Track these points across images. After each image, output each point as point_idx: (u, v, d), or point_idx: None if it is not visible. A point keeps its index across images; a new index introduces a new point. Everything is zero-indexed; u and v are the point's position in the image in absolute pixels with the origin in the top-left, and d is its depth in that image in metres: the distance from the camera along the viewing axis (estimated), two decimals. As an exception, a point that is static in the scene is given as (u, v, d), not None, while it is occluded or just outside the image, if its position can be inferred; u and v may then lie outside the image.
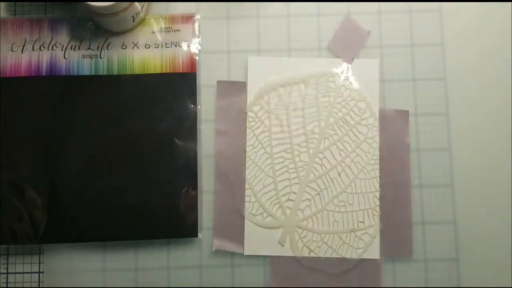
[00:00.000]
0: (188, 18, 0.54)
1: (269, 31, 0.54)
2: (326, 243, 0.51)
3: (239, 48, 0.54)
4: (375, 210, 0.52)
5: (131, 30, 0.53)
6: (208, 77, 0.54)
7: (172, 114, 0.52)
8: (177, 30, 0.54)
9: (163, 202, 0.51)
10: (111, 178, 0.51)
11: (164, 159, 0.51)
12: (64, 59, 0.53)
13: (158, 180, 0.51)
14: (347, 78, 0.53)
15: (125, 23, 0.52)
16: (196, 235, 0.51)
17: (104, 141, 0.52)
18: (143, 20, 0.54)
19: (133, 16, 0.51)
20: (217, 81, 0.54)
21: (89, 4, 0.47)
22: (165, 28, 0.54)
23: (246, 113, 0.53)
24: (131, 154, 0.51)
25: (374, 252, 0.51)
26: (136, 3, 0.50)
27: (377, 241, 0.51)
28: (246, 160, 0.52)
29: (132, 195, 0.51)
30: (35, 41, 0.53)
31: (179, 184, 0.51)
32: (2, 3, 0.55)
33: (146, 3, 0.53)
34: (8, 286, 0.51)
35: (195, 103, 0.53)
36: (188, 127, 0.52)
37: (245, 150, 0.53)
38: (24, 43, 0.53)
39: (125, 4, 0.49)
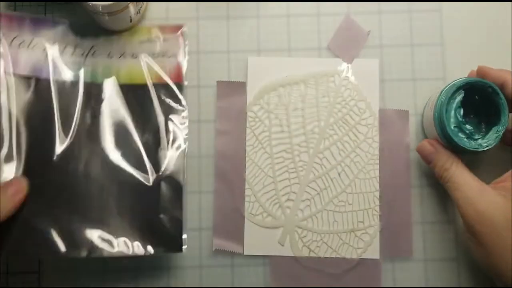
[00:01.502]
0: (176, 29, 0.53)
1: (269, 31, 0.54)
2: (326, 243, 0.51)
3: (239, 48, 0.54)
4: (375, 210, 0.52)
5: (130, 28, 0.53)
6: (208, 77, 0.54)
7: (157, 124, 0.51)
8: (165, 40, 0.53)
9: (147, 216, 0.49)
10: (103, 181, 0.50)
11: (149, 169, 0.50)
12: (48, 62, 0.51)
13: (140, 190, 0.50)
14: (347, 78, 0.53)
15: (125, 22, 0.52)
16: (181, 250, 0.49)
17: (92, 148, 0.50)
18: (142, 20, 0.53)
19: (136, 13, 0.51)
20: (217, 81, 0.54)
21: (88, 4, 0.47)
22: (153, 37, 0.53)
23: (246, 113, 0.53)
24: (117, 162, 0.50)
25: (374, 252, 0.51)
26: (136, 2, 0.50)
27: (377, 241, 0.51)
28: (246, 160, 0.52)
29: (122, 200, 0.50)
30: (14, 39, 0.51)
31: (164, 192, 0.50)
32: (1, 2, 0.54)
33: (145, 2, 0.53)
34: (8, 286, 0.51)
35: (181, 114, 0.52)
36: (173, 139, 0.51)
37: (245, 150, 0.53)
38: None
39: (125, 3, 0.49)
